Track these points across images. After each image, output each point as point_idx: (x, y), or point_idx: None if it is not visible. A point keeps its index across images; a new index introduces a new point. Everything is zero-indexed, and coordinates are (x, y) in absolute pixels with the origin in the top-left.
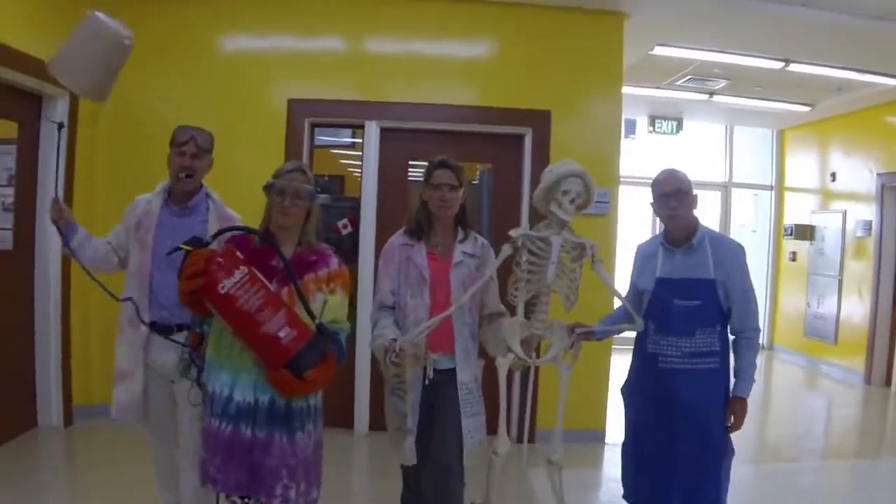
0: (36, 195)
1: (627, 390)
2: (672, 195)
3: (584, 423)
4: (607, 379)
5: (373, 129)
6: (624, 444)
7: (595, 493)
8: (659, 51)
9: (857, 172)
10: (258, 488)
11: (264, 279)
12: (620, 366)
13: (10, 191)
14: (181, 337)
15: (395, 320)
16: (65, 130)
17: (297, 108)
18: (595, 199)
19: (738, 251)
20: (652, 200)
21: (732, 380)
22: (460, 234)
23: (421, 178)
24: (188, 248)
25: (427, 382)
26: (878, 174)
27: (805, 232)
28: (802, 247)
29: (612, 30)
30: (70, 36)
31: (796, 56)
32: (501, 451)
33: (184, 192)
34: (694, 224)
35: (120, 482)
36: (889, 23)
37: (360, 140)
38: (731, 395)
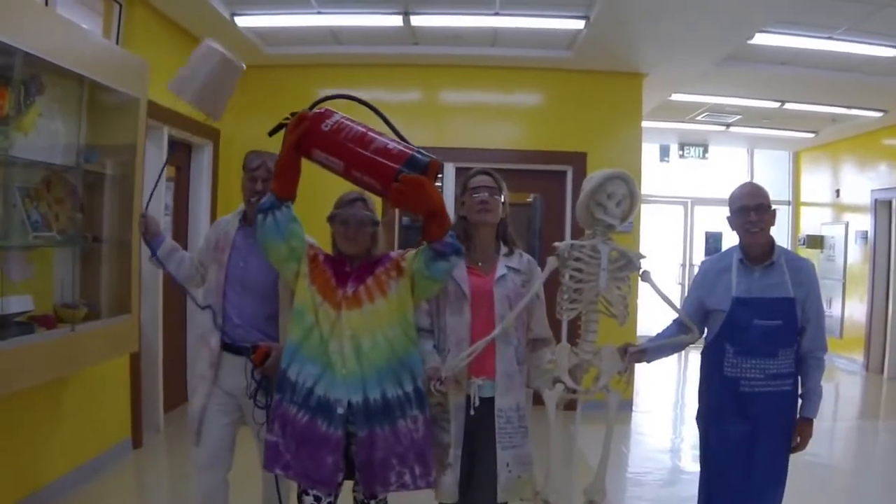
0: (188, 222)
1: (704, 420)
2: (753, 209)
3: None
4: None
5: (450, 170)
6: (701, 478)
7: (627, 442)
8: (676, 96)
9: (856, 189)
10: (372, 482)
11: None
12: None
13: (169, 219)
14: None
15: (435, 344)
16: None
17: None
18: (636, 208)
19: (813, 270)
20: (728, 215)
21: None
22: (504, 249)
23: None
24: (287, 119)
25: (472, 412)
26: (871, 190)
27: (816, 241)
28: (814, 255)
29: (634, 86)
30: (188, 60)
31: (788, 98)
32: (553, 501)
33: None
34: (771, 241)
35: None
36: (853, 73)
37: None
38: (798, 415)
